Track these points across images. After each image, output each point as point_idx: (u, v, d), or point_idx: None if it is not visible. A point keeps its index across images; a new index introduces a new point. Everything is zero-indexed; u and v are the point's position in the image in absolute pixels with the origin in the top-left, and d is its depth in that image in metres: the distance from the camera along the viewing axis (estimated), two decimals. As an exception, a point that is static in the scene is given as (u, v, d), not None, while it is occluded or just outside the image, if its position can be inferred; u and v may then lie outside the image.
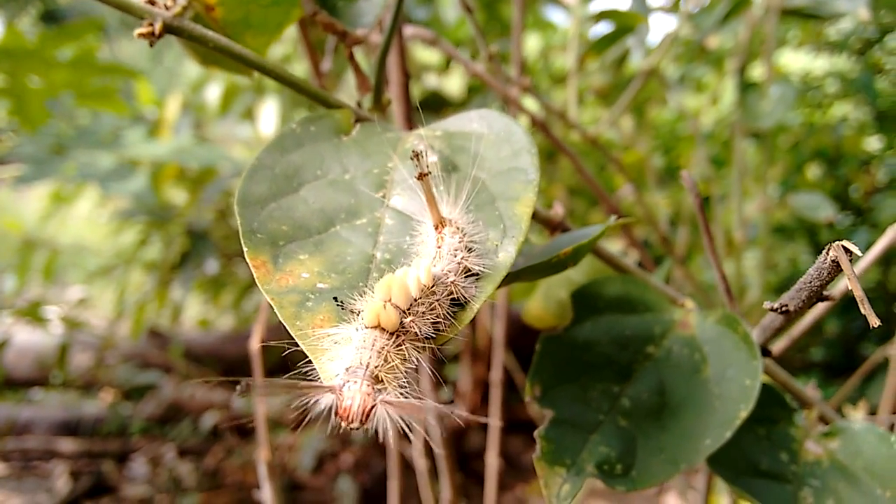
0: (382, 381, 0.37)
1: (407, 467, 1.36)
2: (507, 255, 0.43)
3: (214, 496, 2.53)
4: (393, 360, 0.38)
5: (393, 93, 0.70)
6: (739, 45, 1.39)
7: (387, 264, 0.45)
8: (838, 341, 2.52)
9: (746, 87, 1.34)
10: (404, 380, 0.38)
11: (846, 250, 0.35)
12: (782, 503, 0.53)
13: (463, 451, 2.65)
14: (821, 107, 2.59)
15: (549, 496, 0.45)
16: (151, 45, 0.50)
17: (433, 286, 0.41)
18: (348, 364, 0.37)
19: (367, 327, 0.39)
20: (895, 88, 2.46)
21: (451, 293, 0.42)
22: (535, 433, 0.49)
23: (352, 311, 0.41)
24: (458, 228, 0.44)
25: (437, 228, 0.44)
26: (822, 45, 2.39)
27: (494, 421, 1.32)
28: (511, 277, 0.49)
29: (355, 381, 0.36)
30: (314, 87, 0.54)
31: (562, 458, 0.48)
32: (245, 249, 0.44)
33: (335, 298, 0.41)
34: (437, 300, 0.41)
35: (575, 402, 0.52)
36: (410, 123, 0.73)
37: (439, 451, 0.98)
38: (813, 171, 2.64)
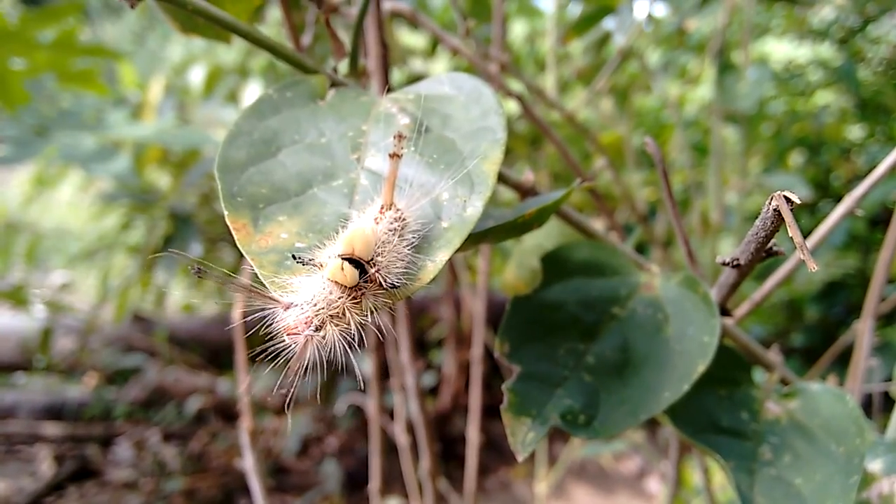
0: (325, 325, 0.39)
1: (391, 450, 1.38)
2: (474, 210, 0.44)
3: (199, 480, 2.53)
4: (345, 313, 0.40)
5: (371, 64, 0.71)
6: (718, 28, 1.41)
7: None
8: (818, 327, 2.56)
9: (724, 69, 1.37)
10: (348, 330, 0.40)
11: (787, 200, 0.37)
12: (741, 458, 0.55)
13: (446, 436, 2.67)
14: (803, 94, 2.62)
15: (514, 443, 0.47)
16: (133, 7, 0.51)
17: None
18: (302, 299, 0.39)
19: (327, 280, 0.40)
20: (877, 77, 2.49)
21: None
22: (503, 386, 0.51)
23: (314, 265, 0.42)
24: (398, 217, 0.44)
25: (381, 209, 0.45)
26: (805, 33, 2.41)
27: (475, 398, 1.34)
28: (479, 237, 0.51)
29: (301, 310, 0.39)
30: (290, 50, 0.55)
31: (527, 409, 0.50)
32: (226, 212, 0.45)
33: (293, 256, 0.42)
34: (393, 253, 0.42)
35: (542, 359, 0.54)
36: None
37: (417, 413, 0.99)
38: (795, 159, 2.67)
